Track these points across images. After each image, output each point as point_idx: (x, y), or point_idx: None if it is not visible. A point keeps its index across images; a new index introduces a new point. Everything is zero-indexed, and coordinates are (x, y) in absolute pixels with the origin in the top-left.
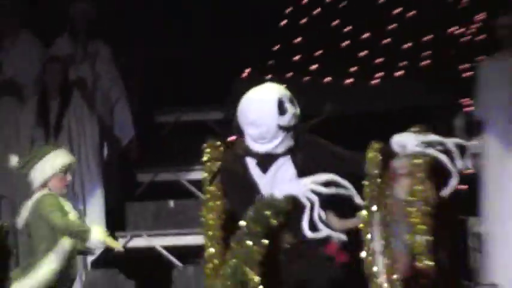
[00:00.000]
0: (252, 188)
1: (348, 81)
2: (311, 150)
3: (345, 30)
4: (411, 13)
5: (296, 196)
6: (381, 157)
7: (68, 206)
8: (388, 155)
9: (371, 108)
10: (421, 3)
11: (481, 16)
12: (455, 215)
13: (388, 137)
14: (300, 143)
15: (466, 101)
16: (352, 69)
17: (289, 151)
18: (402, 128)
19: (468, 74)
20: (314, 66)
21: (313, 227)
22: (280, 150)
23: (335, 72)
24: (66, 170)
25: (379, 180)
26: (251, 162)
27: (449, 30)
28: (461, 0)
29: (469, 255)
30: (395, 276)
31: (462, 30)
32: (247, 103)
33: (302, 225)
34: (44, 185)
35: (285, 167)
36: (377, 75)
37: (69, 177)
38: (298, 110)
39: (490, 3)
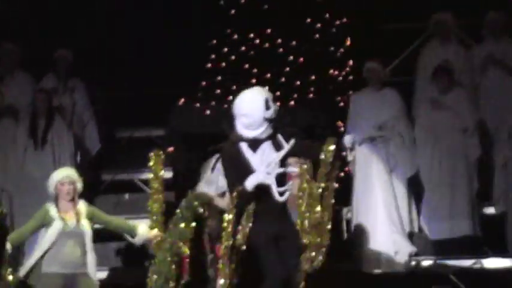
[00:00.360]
0: (246, 165)
1: None
2: (287, 139)
3: (253, 71)
4: (301, 58)
5: (260, 181)
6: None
7: None
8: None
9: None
10: (308, 51)
11: (351, 62)
12: (333, 206)
13: None
14: (281, 133)
15: (341, 123)
16: None
17: (270, 137)
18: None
19: (342, 103)
20: (230, 97)
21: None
22: (263, 136)
23: None
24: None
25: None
26: (243, 146)
27: (329, 72)
28: (338, 50)
29: (341, 235)
30: None
31: (337, 72)
32: (242, 100)
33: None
34: None
35: (268, 150)
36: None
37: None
38: (276, 108)
39: (358, 53)
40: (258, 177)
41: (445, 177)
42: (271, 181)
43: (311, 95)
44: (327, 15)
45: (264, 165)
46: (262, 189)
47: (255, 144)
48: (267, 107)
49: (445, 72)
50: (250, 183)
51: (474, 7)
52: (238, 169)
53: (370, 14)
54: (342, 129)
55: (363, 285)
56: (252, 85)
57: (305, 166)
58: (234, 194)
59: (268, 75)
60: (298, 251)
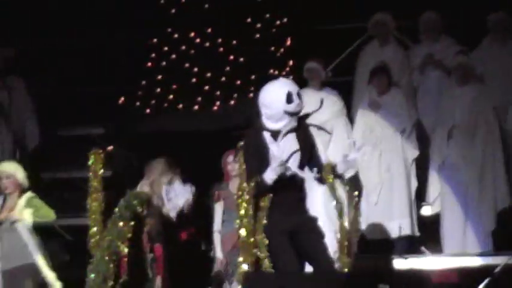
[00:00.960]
0: (266, 151)
1: (196, 107)
2: (307, 134)
3: (194, 70)
4: (241, 58)
5: (277, 174)
6: None
7: None
8: None
9: (212, 127)
10: (249, 51)
11: (291, 62)
12: None
13: (229, 146)
14: (302, 126)
15: None
16: (199, 99)
17: (294, 130)
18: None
19: None
20: (171, 96)
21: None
22: (286, 129)
23: (186, 101)
24: None
25: None
26: (267, 135)
27: (270, 71)
28: (278, 50)
29: None
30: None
31: (278, 72)
32: (266, 90)
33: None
34: None
35: (289, 143)
36: (216, 103)
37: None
38: (302, 102)
39: (298, 53)
40: (276, 170)
41: (383, 177)
42: (294, 170)
43: (251, 95)
44: (268, 15)
45: (281, 157)
46: (279, 182)
47: (277, 134)
48: (289, 101)
49: (383, 73)
50: (268, 176)
51: (413, 8)
52: (259, 158)
53: (310, 14)
54: None
55: (304, 284)
56: (193, 85)
57: (244, 166)
58: (252, 184)
59: (209, 74)
60: (321, 237)
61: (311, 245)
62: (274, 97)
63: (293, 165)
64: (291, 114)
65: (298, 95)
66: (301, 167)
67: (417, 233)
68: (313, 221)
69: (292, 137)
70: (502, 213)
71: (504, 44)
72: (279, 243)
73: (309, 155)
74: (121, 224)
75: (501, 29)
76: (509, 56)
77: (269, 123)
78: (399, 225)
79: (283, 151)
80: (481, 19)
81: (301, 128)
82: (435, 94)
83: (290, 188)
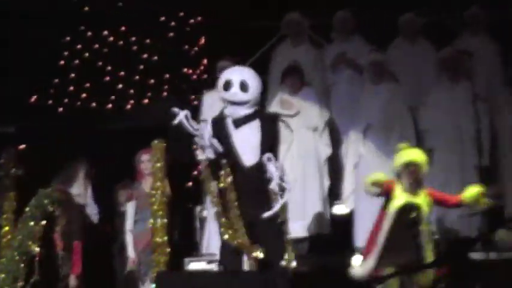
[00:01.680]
0: (228, 137)
1: (109, 106)
2: (270, 129)
3: (107, 68)
4: (155, 57)
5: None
6: None
7: None
8: None
9: (126, 124)
10: (162, 50)
11: (205, 61)
12: (185, 204)
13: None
14: (264, 117)
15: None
16: (112, 97)
17: (248, 119)
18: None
19: (196, 102)
20: (84, 95)
21: None
22: (232, 117)
23: (99, 99)
24: None
25: None
26: (228, 121)
27: (184, 70)
28: (192, 49)
29: (195, 233)
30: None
31: (192, 71)
32: None
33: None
34: None
35: (247, 132)
36: (130, 102)
37: None
38: (248, 93)
39: (212, 52)
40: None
41: (297, 176)
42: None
43: (165, 93)
44: (181, 14)
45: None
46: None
47: (237, 121)
48: (226, 88)
49: (295, 72)
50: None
51: (326, 8)
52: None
53: (224, 13)
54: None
55: (215, 284)
56: (106, 83)
57: (158, 164)
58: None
59: (122, 72)
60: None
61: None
62: (219, 83)
63: (250, 156)
64: (228, 102)
65: (243, 84)
66: (259, 161)
67: (329, 231)
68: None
69: (251, 127)
70: None
71: (414, 45)
72: None
73: (267, 150)
74: (32, 223)
75: (411, 30)
76: (419, 56)
77: (227, 111)
78: (313, 223)
79: (241, 139)
80: (392, 20)
81: (266, 121)
82: (347, 93)
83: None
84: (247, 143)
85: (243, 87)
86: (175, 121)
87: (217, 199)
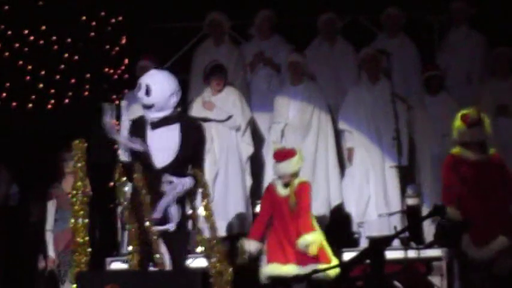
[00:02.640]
0: (144, 138)
1: (29, 105)
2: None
3: (28, 68)
4: (76, 56)
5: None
6: None
7: None
8: None
9: (48, 125)
10: (84, 49)
11: (126, 61)
12: (106, 204)
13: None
14: (184, 120)
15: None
16: (33, 97)
17: (165, 122)
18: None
19: (117, 102)
20: (4, 94)
21: None
22: (150, 120)
23: (20, 99)
24: None
25: None
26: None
27: (105, 70)
28: (113, 49)
29: (117, 233)
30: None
31: (113, 70)
32: None
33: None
34: None
35: (162, 135)
36: (51, 102)
37: None
38: (151, 97)
39: (133, 52)
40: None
41: (219, 175)
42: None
43: (86, 93)
44: (103, 13)
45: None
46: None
47: (155, 124)
48: (136, 91)
49: (219, 71)
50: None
51: (246, 8)
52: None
53: (145, 12)
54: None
55: (134, 283)
56: (27, 83)
57: (79, 164)
58: None
59: (43, 72)
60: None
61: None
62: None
63: (164, 159)
64: (147, 106)
65: (147, 88)
66: (176, 163)
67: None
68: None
69: (169, 129)
70: (335, 211)
71: (333, 44)
72: None
73: (189, 153)
74: None
75: (330, 29)
76: (338, 56)
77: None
78: (235, 223)
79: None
80: (311, 19)
81: (187, 124)
82: (265, 91)
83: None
84: (161, 145)
85: (147, 91)
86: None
87: (128, 202)
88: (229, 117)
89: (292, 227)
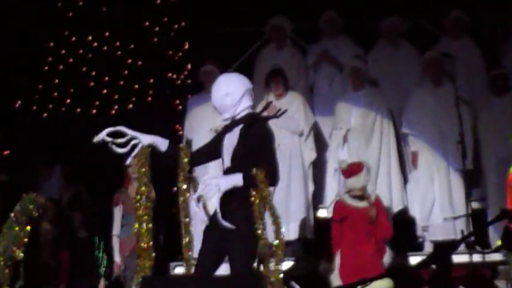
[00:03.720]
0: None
1: (93, 111)
2: (247, 129)
3: (92, 74)
4: (139, 62)
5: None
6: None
7: None
8: None
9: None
10: (147, 55)
11: (189, 66)
12: (170, 209)
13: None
14: (245, 121)
15: (178, 127)
16: (96, 102)
17: (231, 125)
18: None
19: (180, 107)
20: (68, 101)
21: None
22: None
23: (84, 105)
24: None
25: None
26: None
27: (168, 75)
28: (176, 54)
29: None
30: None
31: (176, 75)
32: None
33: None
34: None
35: (231, 136)
36: (114, 107)
37: None
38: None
39: (196, 57)
40: None
41: (281, 180)
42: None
43: (149, 98)
44: (165, 19)
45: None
46: None
47: (227, 127)
48: (225, 94)
49: (280, 75)
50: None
51: (310, 11)
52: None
53: (208, 18)
54: (180, 132)
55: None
56: (90, 88)
57: (143, 169)
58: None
59: (106, 78)
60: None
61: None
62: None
63: (226, 163)
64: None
65: (233, 93)
66: (233, 164)
67: (312, 236)
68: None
69: (231, 133)
70: (397, 214)
71: (396, 48)
72: None
73: (241, 153)
74: (16, 228)
75: (393, 33)
76: (401, 59)
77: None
78: (296, 228)
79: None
80: (375, 23)
81: (245, 124)
82: (328, 94)
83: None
84: (226, 148)
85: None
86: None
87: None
88: (282, 112)
89: (368, 238)
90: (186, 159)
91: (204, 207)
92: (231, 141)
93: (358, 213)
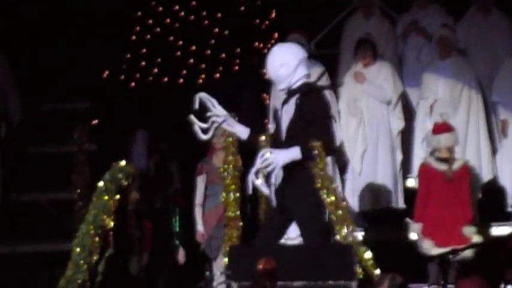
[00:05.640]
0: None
1: (180, 81)
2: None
3: (178, 43)
4: (226, 31)
5: None
6: None
7: None
8: None
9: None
10: (233, 24)
11: (276, 35)
12: None
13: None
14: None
15: (266, 96)
16: (183, 72)
17: (287, 98)
18: None
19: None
20: (155, 70)
21: None
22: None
23: (171, 74)
24: None
25: None
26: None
27: (254, 44)
28: (263, 23)
29: None
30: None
31: (262, 45)
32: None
33: None
34: None
35: (288, 108)
36: (201, 77)
37: None
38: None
39: (282, 26)
40: None
41: (369, 149)
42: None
43: (236, 68)
44: None
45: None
46: None
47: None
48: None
49: (368, 45)
50: None
51: None
52: None
53: None
54: (268, 102)
55: (288, 256)
56: (177, 58)
57: (230, 139)
58: None
59: (193, 47)
60: None
61: None
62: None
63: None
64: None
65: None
66: (288, 137)
67: (402, 205)
68: None
69: (288, 105)
70: (486, 185)
71: (487, 16)
72: None
73: (296, 125)
74: (106, 197)
75: (484, 1)
76: (492, 27)
77: None
78: (384, 197)
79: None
80: None
81: (300, 95)
82: (415, 64)
83: None
84: (284, 121)
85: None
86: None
87: None
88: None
89: (450, 202)
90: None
91: (264, 182)
92: (288, 112)
93: (439, 175)
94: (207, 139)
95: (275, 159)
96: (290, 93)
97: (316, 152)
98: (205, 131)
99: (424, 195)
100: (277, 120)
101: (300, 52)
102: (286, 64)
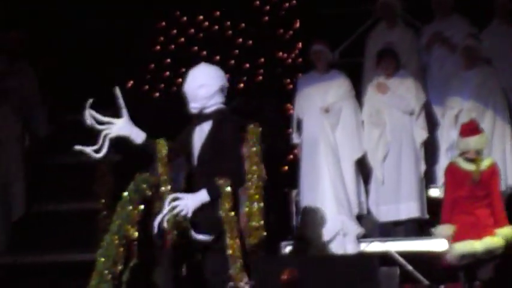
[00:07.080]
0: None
1: None
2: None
3: (202, 53)
4: (250, 41)
5: None
6: None
7: None
8: None
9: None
10: (257, 34)
11: (300, 45)
12: (281, 188)
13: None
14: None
15: (289, 106)
16: None
17: (201, 119)
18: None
19: (291, 86)
20: (179, 80)
21: None
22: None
23: None
24: None
25: None
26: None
27: (278, 54)
28: (287, 33)
29: (291, 217)
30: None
31: (286, 55)
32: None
33: None
34: None
35: (201, 132)
36: None
37: None
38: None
39: (306, 36)
40: None
41: (392, 159)
42: None
43: (260, 78)
44: None
45: None
46: None
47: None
48: (200, 85)
49: (390, 55)
50: None
51: None
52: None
53: None
54: (291, 111)
55: (311, 267)
56: None
57: (254, 149)
58: None
59: (217, 57)
60: None
61: None
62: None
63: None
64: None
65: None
66: (201, 163)
67: (426, 216)
68: None
69: (200, 128)
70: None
71: (510, 27)
72: None
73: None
74: (130, 207)
75: (507, 11)
76: None
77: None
78: (408, 207)
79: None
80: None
81: (217, 125)
82: (440, 72)
83: None
84: (196, 144)
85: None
86: None
87: None
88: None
89: (482, 203)
90: (164, 152)
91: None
92: (200, 137)
93: (466, 175)
94: (102, 156)
95: (185, 206)
96: (203, 117)
97: (223, 190)
98: (97, 150)
99: (451, 197)
100: (189, 136)
101: (223, 79)
102: (207, 86)
